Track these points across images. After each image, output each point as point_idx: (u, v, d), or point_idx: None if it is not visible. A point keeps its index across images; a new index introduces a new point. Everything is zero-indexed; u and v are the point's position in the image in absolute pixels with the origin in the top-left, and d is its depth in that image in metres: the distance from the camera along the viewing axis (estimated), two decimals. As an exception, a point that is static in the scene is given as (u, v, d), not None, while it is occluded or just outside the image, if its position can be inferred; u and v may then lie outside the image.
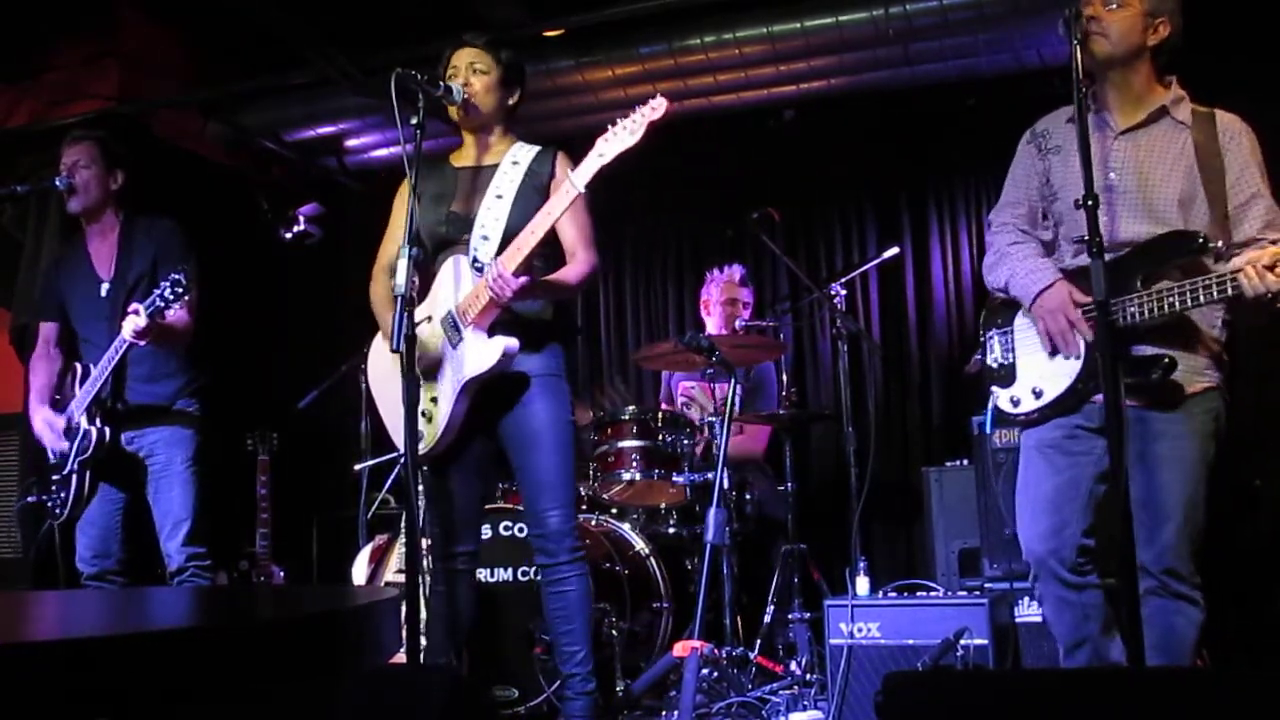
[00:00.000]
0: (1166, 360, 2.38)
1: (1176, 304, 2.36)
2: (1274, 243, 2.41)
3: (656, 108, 2.66)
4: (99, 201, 3.53)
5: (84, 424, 3.40)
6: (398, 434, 2.92)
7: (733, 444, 4.52)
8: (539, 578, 2.88)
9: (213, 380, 3.64)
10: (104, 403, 3.41)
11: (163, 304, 3.17)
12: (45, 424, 3.49)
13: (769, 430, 4.68)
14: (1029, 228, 2.68)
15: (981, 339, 2.74)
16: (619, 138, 2.66)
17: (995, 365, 2.66)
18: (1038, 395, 2.56)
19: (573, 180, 2.66)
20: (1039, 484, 2.56)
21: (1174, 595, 2.42)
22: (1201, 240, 2.39)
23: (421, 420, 2.77)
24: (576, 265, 2.87)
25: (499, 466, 3.10)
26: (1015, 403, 2.60)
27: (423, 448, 2.79)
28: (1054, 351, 2.55)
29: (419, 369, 2.66)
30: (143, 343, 3.25)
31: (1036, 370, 2.57)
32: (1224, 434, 2.49)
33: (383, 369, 3.00)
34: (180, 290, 3.16)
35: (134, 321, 3.20)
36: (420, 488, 2.85)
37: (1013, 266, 2.60)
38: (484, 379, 2.77)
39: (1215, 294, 2.32)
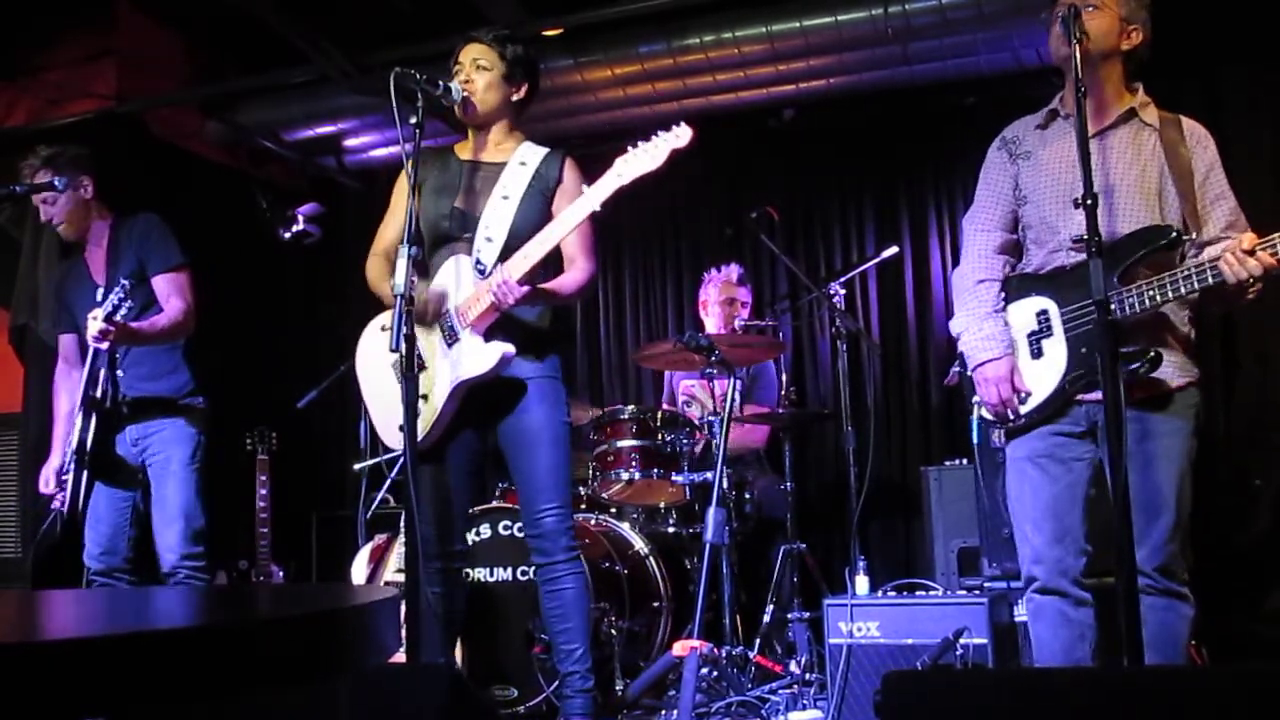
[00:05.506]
0: (1153, 353, 2.39)
1: (1158, 296, 2.37)
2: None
3: (681, 135, 2.65)
4: (81, 219, 3.58)
5: (79, 422, 3.42)
6: (382, 426, 2.94)
7: (733, 436, 4.52)
8: (536, 577, 2.88)
9: (212, 379, 3.64)
10: (99, 402, 3.42)
11: (112, 309, 3.21)
12: (45, 481, 3.57)
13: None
14: (1002, 232, 2.68)
15: (959, 350, 2.73)
16: (639, 160, 2.65)
17: None
18: (1025, 398, 2.55)
19: (589, 198, 2.66)
20: (1037, 494, 2.54)
21: (1167, 593, 2.42)
22: (1176, 233, 2.41)
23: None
24: (575, 273, 2.86)
25: (493, 467, 3.09)
26: None
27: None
28: (1037, 354, 2.56)
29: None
30: (104, 345, 3.28)
31: (1020, 374, 2.57)
32: (1202, 430, 2.52)
33: (371, 361, 3.00)
34: (123, 295, 3.20)
35: (91, 326, 3.23)
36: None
37: (967, 322, 2.64)
38: (478, 382, 2.77)
39: (1196, 283, 2.34)
